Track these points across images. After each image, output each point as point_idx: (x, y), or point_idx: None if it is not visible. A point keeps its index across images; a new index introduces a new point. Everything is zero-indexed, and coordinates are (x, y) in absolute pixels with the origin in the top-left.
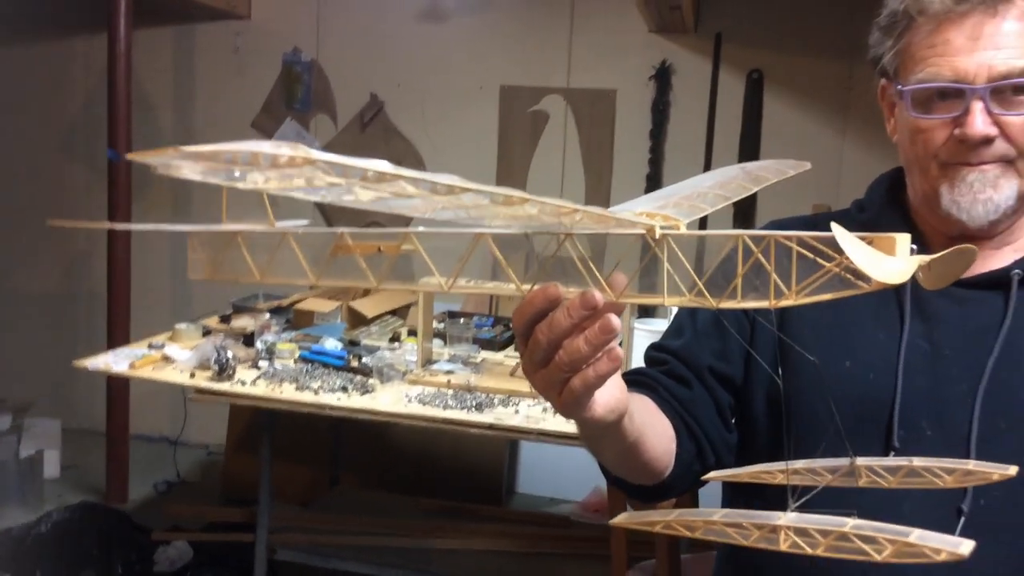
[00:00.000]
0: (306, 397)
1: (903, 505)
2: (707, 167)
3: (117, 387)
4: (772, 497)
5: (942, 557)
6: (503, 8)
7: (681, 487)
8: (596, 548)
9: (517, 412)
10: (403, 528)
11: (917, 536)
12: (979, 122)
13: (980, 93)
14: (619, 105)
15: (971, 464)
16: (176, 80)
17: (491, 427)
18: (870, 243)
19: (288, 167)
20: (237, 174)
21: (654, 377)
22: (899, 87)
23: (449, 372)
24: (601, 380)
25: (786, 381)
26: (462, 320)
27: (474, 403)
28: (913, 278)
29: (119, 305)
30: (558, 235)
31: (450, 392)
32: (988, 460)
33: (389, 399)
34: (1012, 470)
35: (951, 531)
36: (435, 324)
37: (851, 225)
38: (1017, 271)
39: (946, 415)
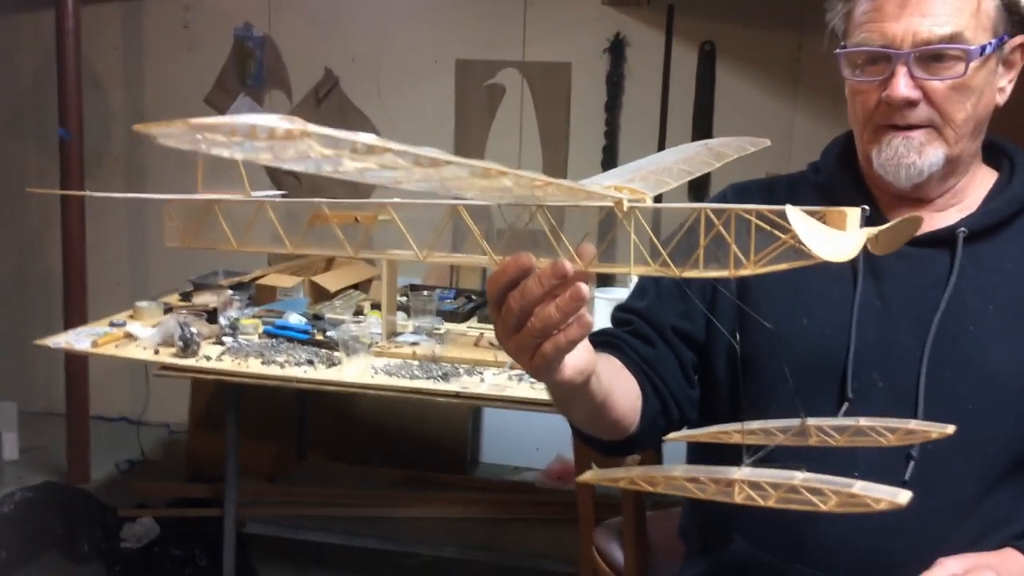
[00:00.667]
0: (272, 371)
1: (858, 451)
2: (662, 138)
3: (76, 367)
4: (730, 453)
5: (882, 506)
6: None
7: (647, 442)
8: (561, 513)
9: (483, 381)
10: (370, 499)
11: (860, 487)
12: (902, 85)
13: (904, 58)
14: (574, 78)
15: (912, 423)
16: (126, 57)
17: (457, 395)
18: (822, 217)
19: (284, 139)
20: (230, 144)
21: (620, 337)
22: (835, 51)
23: (414, 344)
24: (572, 345)
25: (746, 338)
26: (425, 292)
27: (440, 373)
28: (864, 246)
29: (75, 285)
30: (530, 207)
31: (416, 363)
32: (935, 408)
33: (356, 371)
34: (950, 429)
35: (902, 474)
36: (399, 298)
37: (807, 187)
38: (962, 229)
39: (896, 367)
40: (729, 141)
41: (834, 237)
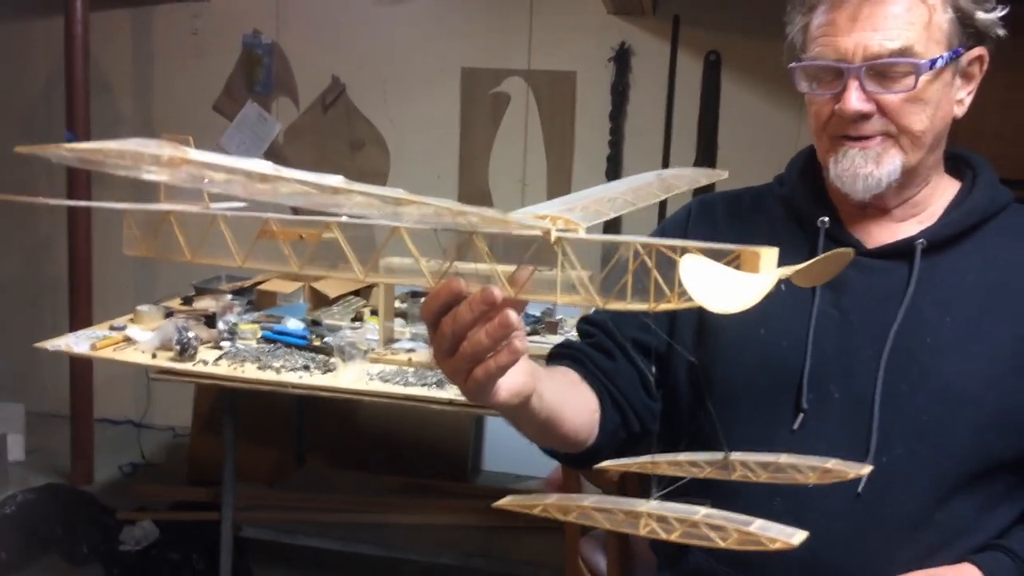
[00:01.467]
0: (268, 376)
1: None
2: (666, 148)
3: (81, 370)
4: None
5: (777, 546)
6: None
7: (607, 453)
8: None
9: None
10: (368, 505)
11: (757, 526)
12: (853, 99)
13: (855, 72)
14: (579, 87)
15: (831, 463)
16: (135, 63)
17: (451, 403)
18: (737, 258)
19: (168, 166)
20: (127, 167)
21: (580, 349)
22: (790, 65)
23: (410, 351)
24: (502, 371)
25: (705, 349)
26: (423, 300)
27: (435, 380)
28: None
29: (81, 289)
30: (466, 233)
31: (411, 370)
32: (891, 419)
33: (351, 377)
34: (866, 469)
35: (853, 489)
36: (397, 304)
37: (771, 199)
38: (921, 241)
39: (852, 379)
40: (683, 172)
41: (733, 284)
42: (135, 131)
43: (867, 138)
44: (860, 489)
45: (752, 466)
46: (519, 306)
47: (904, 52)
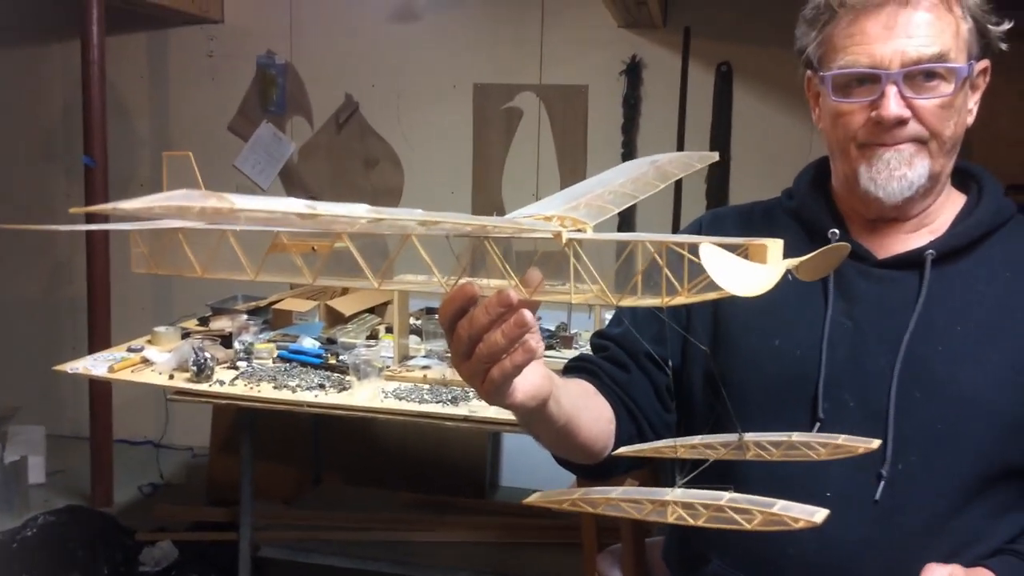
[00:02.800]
0: (283, 395)
1: (830, 468)
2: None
3: (100, 392)
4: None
5: (800, 525)
6: (475, 7)
7: (623, 466)
8: (575, 537)
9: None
10: (386, 523)
11: (780, 507)
12: (893, 105)
13: (894, 78)
14: (591, 100)
15: (841, 439)
16: (151, 85)
17: (466, 419)
18: (745, 250)
19: (215, 216)
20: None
21: (595, 362)
22: (821, 74)
23: (425, 367)
24: (518, 370)
25: (720, 359)
26: (438, 316)
27: (450, 397)
28: (790, 272)
29: (100, 311)
30: (478, 239)
31: (426, 387)
32: (905, 428)
33: (366, 395)
34: (875, 443)
35: (872, 494)
36: (412, 321)
37: (781, 213)
38: (930, 251)
39: (867, 388)
40: (676, 157)
41: (749, 271)
42: (152, 153)
43: (899, 143)
44: (877, 496)
45: (766, 445)
46: (533, 307)
47: (942, 58)
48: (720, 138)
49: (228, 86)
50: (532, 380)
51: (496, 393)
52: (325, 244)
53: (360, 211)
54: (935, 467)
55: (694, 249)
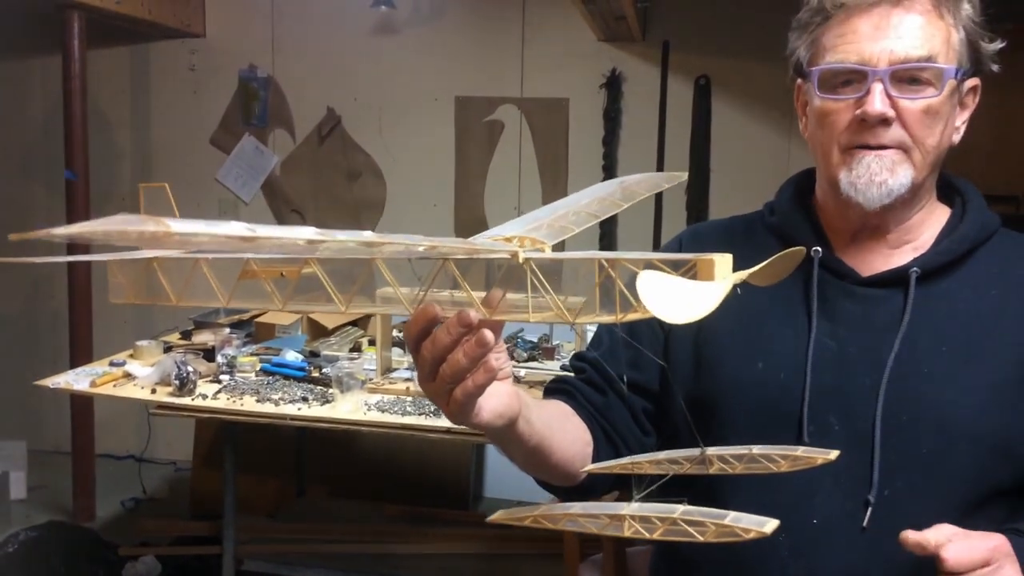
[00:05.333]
0: (267, 408)
1: (816, 495)
2: (659, 172)
3: (81, 406)
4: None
5: (751, 536)
6: (455, 20)
7: (601, 488)
8: (558, 547)
9: None
10: (369, 534)
11: (731, 518)
12: (878, 102)
13: (880, 75)
14: (572, 113)
15: (800, 450)
16: (133, 99)
17: (449, 431)
18: (693, 267)
19: (154, 242)
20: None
21: (573, 384)
22: (808, 71)
23: (408, 380)
24: (480, 389)
25: (703, 383)
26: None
27: (433, 409)
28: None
29: (81, 325)
30: (439, 260)
31: (409, 399)
32: (891, 451)
33: (349, 407)
34: (832, 455)
35: (860, 521)
36: (395, 333)
37: (762, 228)
38: (915, 269)
39: (851, 410)
40: (644, 178)
41: (691, 294)
42: (134, 167)
43: (883, 147)
44: (865, 523)
45: (728, 459)
46: (495, 327)
47: (930, 60)
48: (699, 150)
49: (210, 99)
50: (499, 399)
51: (461, 413)
52: (294, 269)
53: (303, 234)
54: (922, 492)
55: (649, 267)
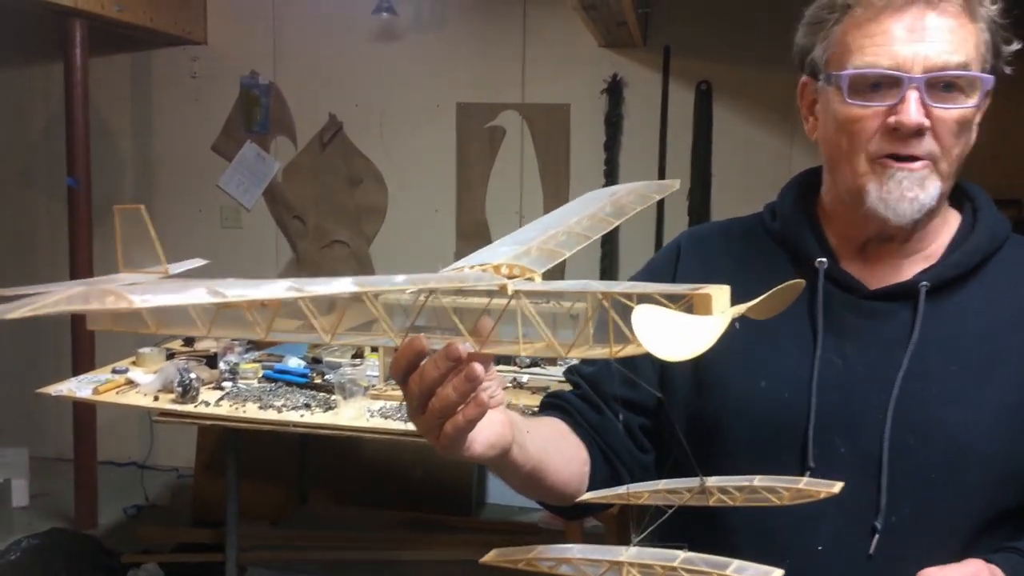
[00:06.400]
0: (269, 415)
1: (821, 522)
2: (661, 177)
3: (84, 414)
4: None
5: None
6: (457, 26)
7: (599, 506)
8: None
9: None
10: (372, 541)
11: (734, 568)
12: (914, 111)
13: (916, 83)
14: (573, 118)
15: (803, 482)
16: (134, 106)
17: None
18: (689, 300)
19: (115, 314)
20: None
21: (569, 401)
22: (834, 74)
23: None
24: (470, 424)
25: (703, 403)
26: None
27: None
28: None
29: (83, 332)
30: (424, 292)
31: None
32: (899, 475)
33: (351, 414)
34: (836, 487)
35: (867, 548)
36: None
37: (762, 234)
38: (924, 283)
39: (858, 432)
40: (634, 188)
41: (688, 329)
42: (136, 174)
43: (912, 159)
44: (872, 551)
45: (729, 490)
46: (485, 360)
47: (966, 68)
48: (701, 156)
49: (212, 106)
50: (491, 430)
51: (452, 447)
52: (275, 300)
53: (278, 290)
54: (929, 519)
55: (643, 299)
